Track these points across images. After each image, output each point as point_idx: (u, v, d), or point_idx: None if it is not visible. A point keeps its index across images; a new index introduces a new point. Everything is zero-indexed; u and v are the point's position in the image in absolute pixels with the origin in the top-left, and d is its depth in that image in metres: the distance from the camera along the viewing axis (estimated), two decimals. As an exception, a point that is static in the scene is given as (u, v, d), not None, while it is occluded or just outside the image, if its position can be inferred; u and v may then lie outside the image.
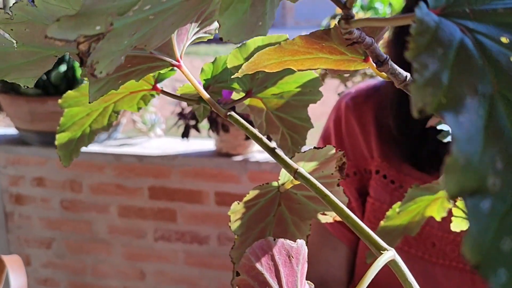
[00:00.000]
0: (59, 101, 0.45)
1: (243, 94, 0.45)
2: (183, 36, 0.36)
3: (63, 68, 1.69)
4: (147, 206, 1.83)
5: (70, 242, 1.96)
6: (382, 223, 0.54)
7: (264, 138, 0.38)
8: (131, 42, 0.23)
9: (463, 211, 0.50)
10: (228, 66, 0.44)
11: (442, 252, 0.83)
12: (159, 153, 1.75)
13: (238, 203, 0.44)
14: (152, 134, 1.91)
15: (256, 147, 1.70)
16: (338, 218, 0.46)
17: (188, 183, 1.75)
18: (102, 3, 0.22)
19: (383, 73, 0.30)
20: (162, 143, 1.86)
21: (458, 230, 0.52)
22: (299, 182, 0.38)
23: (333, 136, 0.91)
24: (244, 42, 0.44)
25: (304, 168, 0.42)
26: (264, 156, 1.68)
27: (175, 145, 1.81)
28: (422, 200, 0.52)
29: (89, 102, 0.36)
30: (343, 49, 0.31)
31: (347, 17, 0.24)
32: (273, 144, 0.38)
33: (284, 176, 0.43)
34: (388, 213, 0.54)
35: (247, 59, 0.44)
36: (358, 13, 1.49)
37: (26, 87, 0.33)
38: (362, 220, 0.92)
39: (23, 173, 1.94)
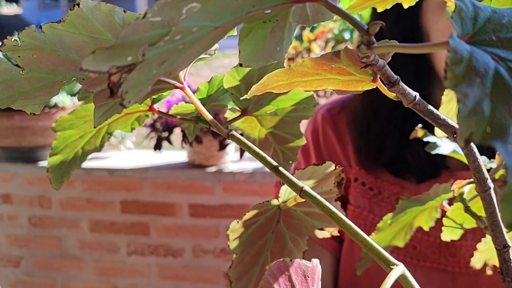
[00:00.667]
0: (53, 124, 0.44)
1: (239, 113, 0.45)
2: (187, 58, 0.36)
3: (29, 82, 1.66)
4: (119, 220, 1.80)
5: (39, 259, 1.92)
6: (373, 235, 0.55)
7: (268, 157, 0.38)
8: (159, 71, 0.23)
9: (454, 221, 0.51)
10: (225, 86, 0.44)
11: (423, 254, 0.84)
12: (131, 166, 1.73)
13: (238, 222, 0.44)
14: (123, 147, 1.89)
15: (229, 157, 1.70)
16: (336, 233, 0.47)
17: (160, 195, 1.74)
18: (135, 34, 0.22)
19: (392, 93, 0.31)
20: (133, 155, 1.84)
21: (448, 240, 0.53)
22: (303, 200, 0.39)
23: (311, 148, 0.92)
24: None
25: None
26: (238, 167, 1.68)
27: (146, 158, 1.79)
28: (412, 211, 0.53)
29: (94, 127, 0.36)
30: (352, 70, 0.32)
31: (369, 43, 0.25)
32: (276, 163, 0.39)
33: (285, 194, 0.43)
34: (379, 225, 0.55)
35: (244, 78, 0.44)
36: (329, 23, 1.51)
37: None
38: (342, 236, 0.92)
39: (-11, 190, 1.89)
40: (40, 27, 0.31)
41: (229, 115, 0.48)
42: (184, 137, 1.61)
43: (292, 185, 0.37)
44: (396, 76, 0.30)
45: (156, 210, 1.76)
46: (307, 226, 0.46)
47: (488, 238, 0.58)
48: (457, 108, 0.17)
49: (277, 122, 0.48)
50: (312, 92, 0.45)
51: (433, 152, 0.52)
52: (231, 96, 0.44)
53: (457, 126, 0.31)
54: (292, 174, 0.40)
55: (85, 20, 0.31)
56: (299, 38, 1.46)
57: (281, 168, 0.38)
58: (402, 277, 0.34)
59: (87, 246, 1.86)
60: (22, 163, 1.80)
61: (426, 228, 0.56)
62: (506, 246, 0.35)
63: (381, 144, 0.85)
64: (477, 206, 0.46)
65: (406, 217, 0.54)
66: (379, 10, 0.52)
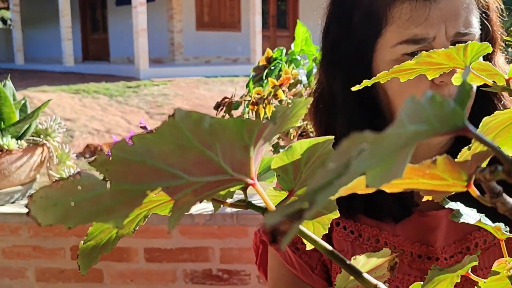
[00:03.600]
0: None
1: (286, 193, 0.44)
2: (258, 155, 0.35)
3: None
4: (69, 268, 1.71)
5: (-21, 313, 1.78)
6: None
7: (340, 255, 0.37)
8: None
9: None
10: (272, 167, 0.43)
11: None
12: (83, 211, 1.65)
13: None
14: (70, 190, 1.80)
15: (188, 200, 1.66)
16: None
17: (114, 241, 1.67)
18: (315, 184, 0.20)
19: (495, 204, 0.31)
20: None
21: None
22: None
23: None
24: (291, 145, 0.44)
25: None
26: (197, 208, 1.64)
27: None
28: (439, 279, 0.54)
29: (169, 232, 0.33)
30: (446, 176, 0.32)
31: (509, 173, 0.25)
32: (348, 261, 0.38)
33: (341, 281, 0.43)
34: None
35: (292, 162, 0.43)
36: (294, 70, 1.52)
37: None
38: (330, 272, 0.92)
39: None
40: (131, 139, 0.29)
41: (270, 193, 0.47)
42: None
43: (367, 283, 0.37)
44: (498, 187, 0.30)
45: (109, 255, 1.68)
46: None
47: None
48: None
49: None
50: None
51: (460, 221, 0.53)
52: (278, 177, 0.43)
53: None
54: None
55: (176, 129, 0.30)
56: (261, 82, 1.46)
57: (353, 265, 0.37)
58: None
59: (33, 297, 1.75)
60: (-39, 210, 1.68)
61: (445, 293, 0.57)
62: None
63: (349, 196, 0.87)
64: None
65: (432, 286, 0.55)
66: (402, 80, 0.52)
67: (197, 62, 13.66)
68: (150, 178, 0.30)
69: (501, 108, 0.84)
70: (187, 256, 1.66)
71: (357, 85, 0.54)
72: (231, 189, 0.39)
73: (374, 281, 0.37)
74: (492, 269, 0.48)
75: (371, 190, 0.34)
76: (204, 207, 1.66)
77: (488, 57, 0.84)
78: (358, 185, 0.33)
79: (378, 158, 0.22)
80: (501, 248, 0.90)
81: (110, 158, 0.28)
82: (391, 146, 0.22)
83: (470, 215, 0.53)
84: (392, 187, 0.33)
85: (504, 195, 0.30)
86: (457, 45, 0.48)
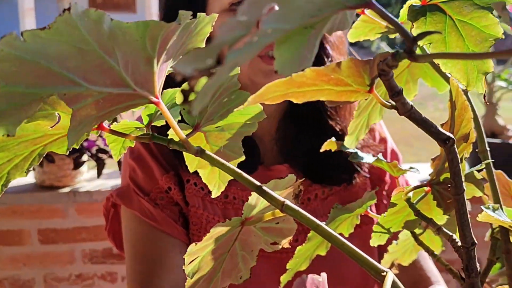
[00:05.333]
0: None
1: (191, 129, 0.43)
2: (162, 72, 0.34)
3: None
4: (-48, 256, 1.59)
5: None
6: (304, 244, 0.55)
7: (249, 177, 0.37)
8: (228, 76, 0.22)
9: (382, 227, 0.53)
10: (177, 102, 0.42)
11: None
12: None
13: (196, 244, 0.42)
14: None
15: (85, 176, 1.59)
16: (287, 246, 0.46)
17: (4, 223, 1.56)
18: (226, 35, 0.20)
19: (392, 103, 0.32)
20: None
21: (375, 245, 0.55)
22: (283, 215, 0.38)
23: (145, 155, 0.92)
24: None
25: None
26: (94, 185, 1.58)
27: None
28: (340, 219, 0.55)
29: (68, 148, 0.31)
30: (350, 80, 0.32)
31: (411, 51, 0.25)
32: (258, 182, 0.37)
33: (248, 210, 0.42)
34: (309, 235, 0.55)
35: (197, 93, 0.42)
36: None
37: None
38: (188, 227, 0.91)
39: None
40: (22, 35, 0.26)
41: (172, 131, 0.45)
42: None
43: (274, 200, 0.36)
44: (399, 87, 0.31)
45: (-1, 240, 1.58)
46: (260, 242, 0.45)
47: (400, 240, 0.62)
48: None
49: (221, 138, 0.46)
50: (261, 107, 0.44)
51: (357, 161, 0.54)
52: (183, 111, 0.42)
53: (448, 133, 0.33)
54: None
55: (73, 27, 0.27)
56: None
57: (264, 187, 0.37)
58: (394, 283, 0.35)
59: None
60: None
61: (346, 234, 0.58)
62: (473, 243, 0.38)
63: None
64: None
65: (333, 226, 0.56)
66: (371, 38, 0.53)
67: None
68: (45, 82, 0.28)
69: None
70: (85, 236, 1.60)
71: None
72: (135, 109, 0.37)
73: (281, 198, 0.37)
74: (390, 201, 0.50)
75: (278, 100, 0.34)
76: (102, 183, 1.60)
77: None
78: (267, 93, 0.33)
79: (288, 22, 0.22)
80: (338, 198, 0.95)
81: (-2, 54, 0.25)
82: (301, 10, 0.22)
83: (366, 157, 0.55)
84: (299, 96, 0.33)
85: (404, 96, 0.31)
86: None
